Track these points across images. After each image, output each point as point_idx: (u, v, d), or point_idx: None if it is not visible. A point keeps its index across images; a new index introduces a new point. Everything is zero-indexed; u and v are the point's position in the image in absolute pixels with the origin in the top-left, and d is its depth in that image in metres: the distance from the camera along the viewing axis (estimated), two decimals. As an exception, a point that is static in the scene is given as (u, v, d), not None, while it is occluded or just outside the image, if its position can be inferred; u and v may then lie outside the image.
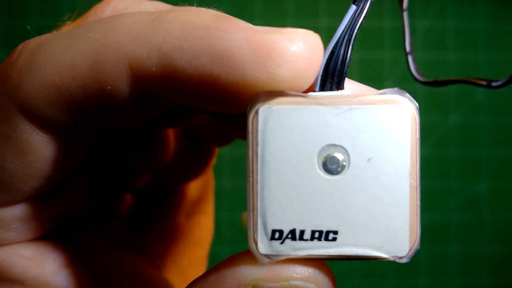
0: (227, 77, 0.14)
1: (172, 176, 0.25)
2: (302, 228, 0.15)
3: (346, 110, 0.15)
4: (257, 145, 0.15)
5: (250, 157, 0.15)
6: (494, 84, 0.18)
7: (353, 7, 0.16)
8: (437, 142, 0.58)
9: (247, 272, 0.15)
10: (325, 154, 0.15)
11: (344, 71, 0.16)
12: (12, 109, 0.16)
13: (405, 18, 0.19)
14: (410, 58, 0.20)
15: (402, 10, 0.19)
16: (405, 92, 0.15)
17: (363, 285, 0.57)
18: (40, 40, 0.16)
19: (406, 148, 0.15)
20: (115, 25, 0.15)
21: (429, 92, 0.57)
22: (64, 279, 0.19)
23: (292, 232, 0.15)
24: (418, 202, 0.15)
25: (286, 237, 0.15)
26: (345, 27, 0.16)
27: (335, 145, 0.15)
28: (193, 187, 0.27)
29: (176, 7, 0.17)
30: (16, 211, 0.18)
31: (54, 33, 0.17)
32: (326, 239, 0.15)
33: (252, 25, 0.15)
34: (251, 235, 0.15)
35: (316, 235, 0.15)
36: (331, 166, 0.15)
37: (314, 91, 0.16)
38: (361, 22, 0.16)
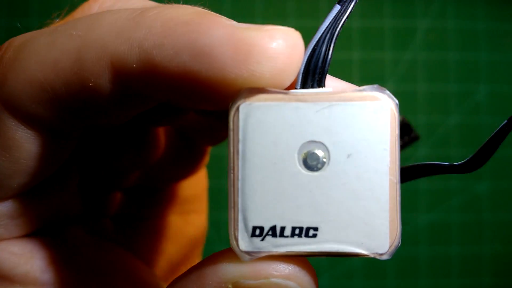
0: (207, 74, 0.15)
1: (163, 174, 0.25)
2: (282, 225, 0.15)
3: (326, 107, 0.15)
4: (238, 141, 0.15)
5: (231, 154, 0.15)
6: (457, 163, 0.17)
7: (337, 7, 0.16)
8: (437, 142, 0.57)
9: (228, 269, 0.15)
10: (305, 151, 0.15)
11: (325, 68, 0.16)
12: None
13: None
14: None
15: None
16: (385, 89, 0.15)
17: (363, 286, 0.57)
18: (25, 37, 0.17)
19: (386, 144, 0.15)
20: (98, 22, 0.16)
21: (430, 92, 0.57)
22: (53, 276, 0.19)
23: (273, 228, 0.15)
24: (398, 199, 0.15)
25: (267, 234, 0.15)
26: (327, 26, 0.16)
27: (316, 141, 0.15)
28: (186, 186, 0.27)
29: (161, 4, 0.17)
30: (4, 208, 0.18)
31: (39, 30, 0.17)
32: (307, 235, 0.15)
33: (233, 22, 0.15)
34: (232, 232, 0.15)
35: (297, 231, 0.15)
36: (311, 163, 0.15)
37: (296, 88, 0.16)
38: (344, 21, 0.16)
